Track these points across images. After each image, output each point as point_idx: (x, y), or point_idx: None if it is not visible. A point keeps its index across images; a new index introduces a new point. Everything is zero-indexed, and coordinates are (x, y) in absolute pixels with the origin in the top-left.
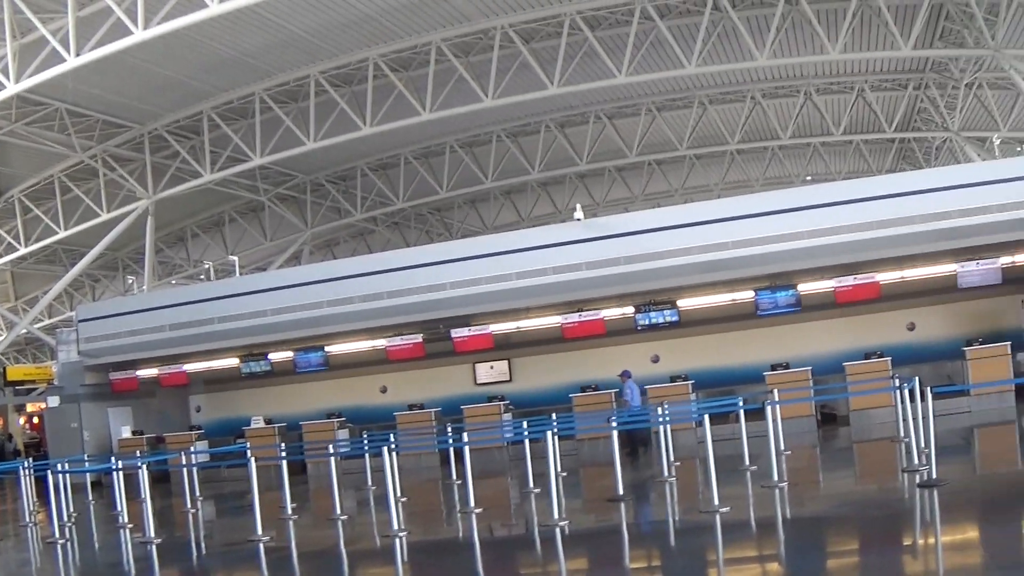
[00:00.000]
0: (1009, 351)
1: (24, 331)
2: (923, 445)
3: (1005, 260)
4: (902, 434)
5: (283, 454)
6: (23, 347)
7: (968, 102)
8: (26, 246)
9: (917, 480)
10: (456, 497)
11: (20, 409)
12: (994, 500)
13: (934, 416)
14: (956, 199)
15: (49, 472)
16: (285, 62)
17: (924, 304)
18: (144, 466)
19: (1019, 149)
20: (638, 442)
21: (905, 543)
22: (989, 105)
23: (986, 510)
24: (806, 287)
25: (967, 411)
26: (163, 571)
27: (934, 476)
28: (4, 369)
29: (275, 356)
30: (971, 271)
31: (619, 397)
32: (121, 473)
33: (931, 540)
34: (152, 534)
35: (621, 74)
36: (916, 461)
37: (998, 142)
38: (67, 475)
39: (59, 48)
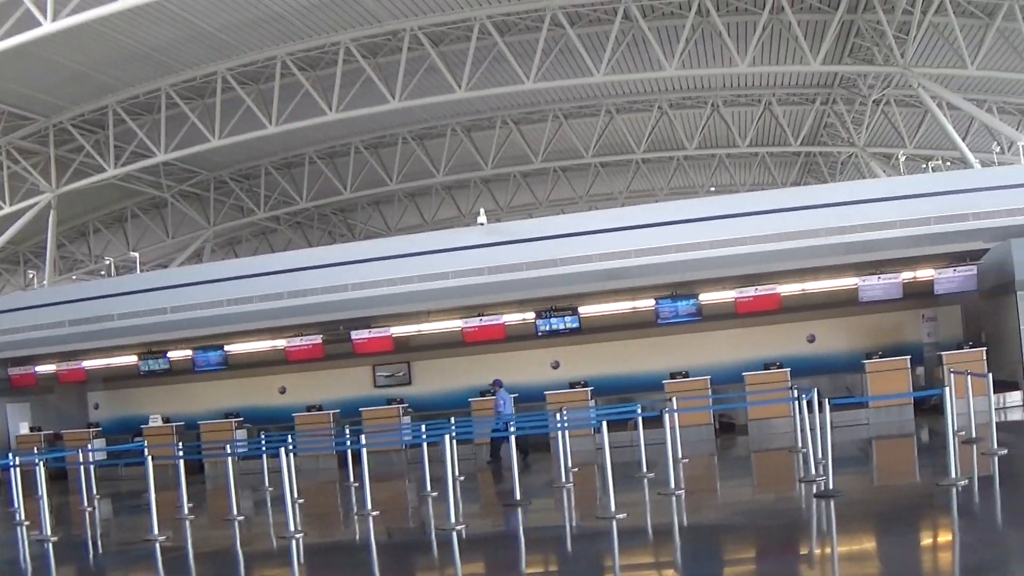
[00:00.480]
0: (908, 365)
1: None
2: (820, 456)
3: (906, 275)
4: (800, 444)
5: (180, 453)
6: None
7: (875, 118)
8: None
9: (814, 490)
10: (353, 499)
11: None
12: (890, 512)
13: (832, 427)
14: (860, 214)
15: None
16: (193, 58)
17: (825, 317)
18: (41, 463)
19: (924, 166)
20: (519, 449)
21: (801, 552)
22: (896, 122)
23: (882, 521)
24: (707, 297)
25: (865, 423)
26: (59, 569)
27: (831, 487)
28: None
29: (174, 354)
30: (872, 285)
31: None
32: (18, 470)
33: (827, 550)
34: (49, 532)
35: (529, 80)
36: (813, 471)
37: (903, 159)
38: None
39: None
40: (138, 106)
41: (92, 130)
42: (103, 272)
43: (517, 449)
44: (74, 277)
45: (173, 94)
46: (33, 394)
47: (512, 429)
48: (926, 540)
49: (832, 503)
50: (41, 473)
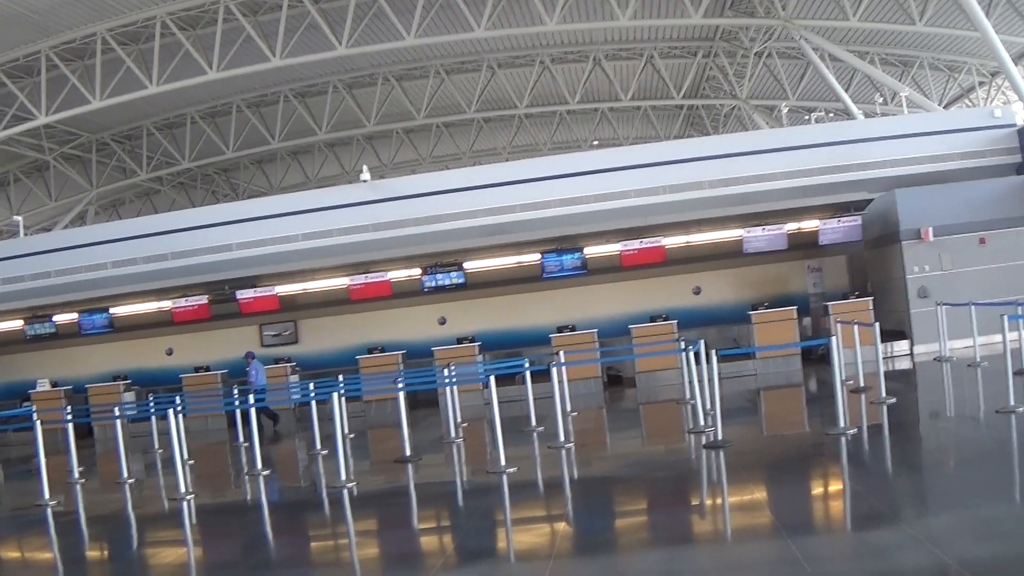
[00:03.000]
0: (795, 315)
1: None
2: (709, 407)
3: (791, 226)
4: (688, 396)
5: (69, 417)
6: None
7: (757, 71)
8: None
9: (703, 441)
10: (243, 459)
11: None
12: (780, 461)
13: (720, 379)
14: (744, 166)
15: None
16: (72, 19)
17: (711, 269)
18: None
19: (807, 118)
20: (272, 416)
21: (692, 503)
22: (778, 74)
23: (772, 471)
24: (592, 250)
25: (753, 374)
26: None
27: (720, 437)
28: None
29: (60, 318)
30: (757, 237)
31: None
32: None
33: (718, 500)
34: None
35: (410, 36)
36: (702, 423)
37: (786, 111)
38: None
39: None
40: (18, 69)
41: None
42: None
43: (268, 416)
44: None
45: (53, 56)
46: None
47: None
48: (816, 489)
49: (721, 454)
50: None
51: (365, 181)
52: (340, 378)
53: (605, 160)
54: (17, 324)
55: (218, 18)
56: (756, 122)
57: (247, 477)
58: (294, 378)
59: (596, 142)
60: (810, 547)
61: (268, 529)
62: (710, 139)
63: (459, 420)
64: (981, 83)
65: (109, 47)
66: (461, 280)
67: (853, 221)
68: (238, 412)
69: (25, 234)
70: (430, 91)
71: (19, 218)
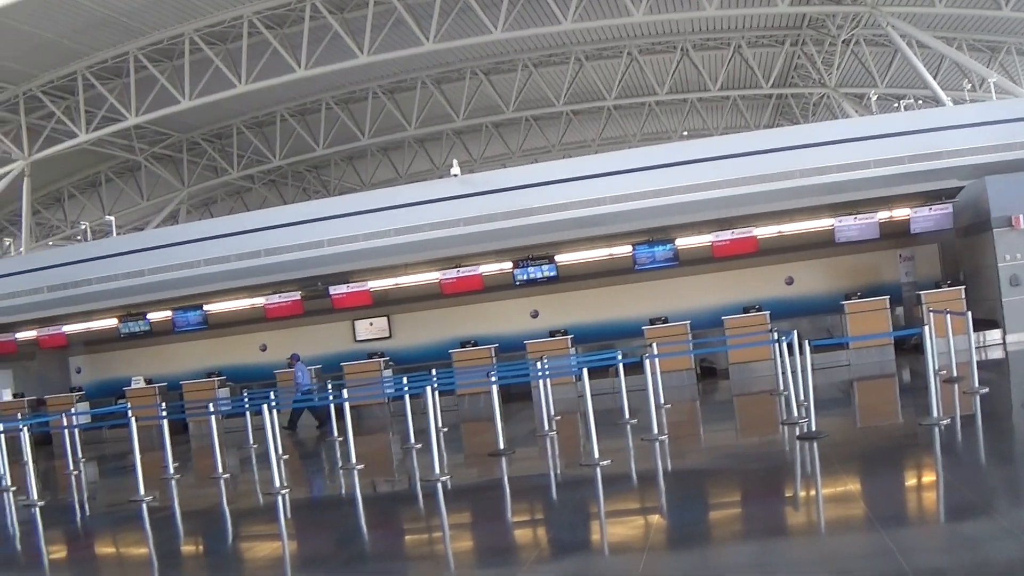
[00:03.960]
0: (887, 304)
1: None
2: (802, 398)
3: (882, 215)
4: (781, 387)
5: (164, 414)
6: None
7: (845, 59)
8: None
9: (796, 433)
10: (338, 453)
11: None
12: (873, 452)
13: (813, 369)
14: (834, 154)
15: None
16: (159, 20)
17: (803, 258)
18: (25, 428)
19: (896, 105)
20: (319, 417)
21: (786, 495)
22: (866, 62)
23: (865, 462)
24: (684, 242)
25: (846, 364)
26: (47, 533)
27: (814, 428)
28: None
29: (154, 316)
30: (849, 226)
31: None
32: (2, 436)
33: (811, 492)
34: (35, 496)
35: (497, 30)
36: (795, 414)
37: (875, 98)
38: None
39: None
40: (107, 71)
41: (62, 96)
42: (79, 237)
43: (315, 416)
44: (50, 243)
45: (141, 57)
46: (14, 361)
47: (309, 400)
48: (910, 480)
49: (815, 445)
50: (26, 438)
51: (455, 176)
52: (433, 372)
53: (695, 151)
54: (111, 323)
55: (305, 16)
56: (845, 110)
57: (341, 471)
58: (387, 373)
59: (686, 133)
60: (904, 539)
61: (363, 523)
62: (800, 128)
63: (552, 413)
64: None
65: (197, 47)
66: (553, 273)
67: (944, 209)
68: (332, 407)
69: (117, 234)
70: (518, 85)
71: (111, 218)
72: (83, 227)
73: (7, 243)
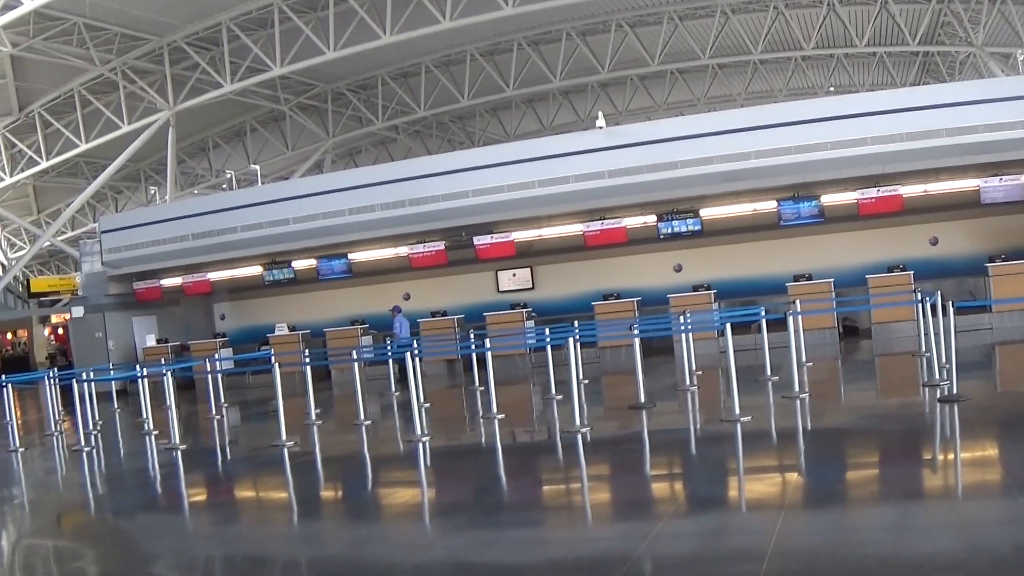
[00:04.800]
0: None
1: (47, 244)
2: (944, 360)
3: None
4: (923, 349)
5: (307, 360)
6: (46, 260)
7: (992, 17)
8: (47, 160)
9: (938, 395)
10: (479, 403)
11: (44, 321)
12: (1015, 417)
13: (956, 331)
14: (981, 114)
15: (74, 381)
16: None
17: (948, 219)
18: (169, 374)
19: None
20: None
21: (925, 457)
22: (1013, 21)
23: (1006, 427)
24: (829, 198)
25: (989, 327)
26: (188, 476)
27: (955, 391)
28: (28, 281)
29: (298, 264)
30: (995, 187)
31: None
32: (146, 381)
33: (950, 455)
34: (177, 441)
35: None
36: (937, 376)
37: (1022, 58)
38: (92, 384)
39: None
40: (251, 21)
41: (206, 47)
42: (225, 186)
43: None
44: (195, 192)
45: (286, 8)
46: (159, 307)
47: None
48: None
49: (956, 408)
50: (169, 383)
51: (600, 128)
52: (575, 324)
53: (841, 107)
54: (256, 270)
55: None
56: (992, 70)
57: (482, 421)
58: (529, 324)
59: (832, 89)
60: None
61: (501, 472)
62: (946, 86)
63: (694, 368)
64: None
65: None
66: (697, 227)
67: None
68: (474, 356)
69: (262, 183)
70: (664, 37)
71: (256, 167)
72: (228, 176)
73: (152, 192)
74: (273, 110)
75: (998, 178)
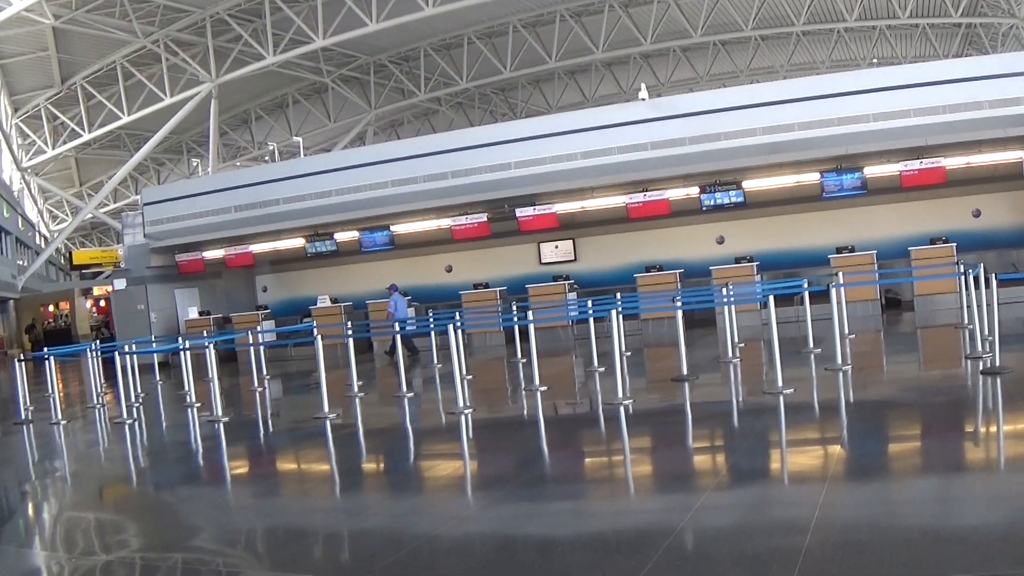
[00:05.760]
0: None
1: (89, 216)
2: (987, 332)
3: None
4: (966, 321)
5: (349, 333)
6: (88, 232)
7: None
8: (90, 132)
9: (980, 367)
10: (521, 375)
11: (86, 293)
12: None
13: (999, 304)
14: (1021, 86)
15: (116, 353)
16: None
17: (990, 191)
18: (211, 346)
19: None
20: (411, 348)
21: (967, 430)
22: None
23: None
24: (872, 170)
25: None
26: (231, 448)
27: (997, 364)
28: (70, 253)
29: (340, 236)
30: None
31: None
32: (188, 353)
33: (993, 428)
34: (220, 413)
35: None
36: (980, 348)
37: None
38: (134, 356)
39: None
40: None
41: (249, 19)
42: (267, 158)
43: (404, 347)
44: (238, 164)
45: None
46: (201, 279)
47: (401, 329)
48: None
49: (999, 380)
50: (211, 355)
51: (643, 99)
52: (618, 296)
53: (884, 79)
54: (298, 242)
55: None
56: None
57: (524, 393)
58: (571, 296)
59: (875, 60)
60: None
61: (544, 444)
62: (989, 58)
63: (736, 340)
64: None
65: None
66: (740, 199)
67: None
68: (516, 328)
69: (305, 154)
70: (707, 8)
71: (299, 139)
72: (271, 148)
73: (195, 163)
74: (315, 82)
75: None
